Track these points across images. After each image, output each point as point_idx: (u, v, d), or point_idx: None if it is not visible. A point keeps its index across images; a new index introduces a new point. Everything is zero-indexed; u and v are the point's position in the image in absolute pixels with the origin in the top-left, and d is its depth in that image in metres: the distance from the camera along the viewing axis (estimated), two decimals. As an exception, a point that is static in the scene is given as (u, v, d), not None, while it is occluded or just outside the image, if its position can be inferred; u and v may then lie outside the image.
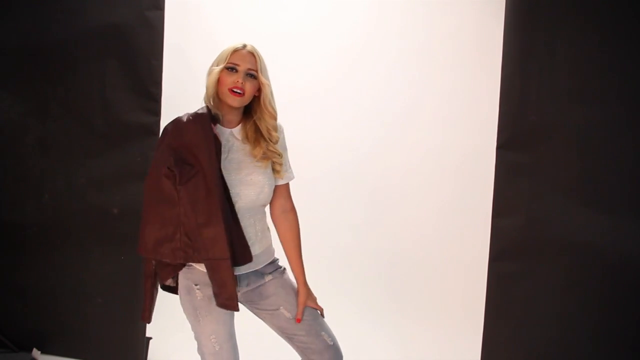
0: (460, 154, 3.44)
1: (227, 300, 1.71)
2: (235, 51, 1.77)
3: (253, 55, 1.78)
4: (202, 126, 1.72)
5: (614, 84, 2.12)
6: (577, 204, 2.17)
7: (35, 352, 2.82)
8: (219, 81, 1.77)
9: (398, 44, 3.48)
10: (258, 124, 1.82)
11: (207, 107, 1.79)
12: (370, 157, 3.55)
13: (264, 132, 1.81)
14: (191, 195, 1.68)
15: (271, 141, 1.82)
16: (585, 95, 2.16)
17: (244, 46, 1.79)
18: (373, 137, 3.53)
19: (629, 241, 2.10)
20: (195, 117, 1.74)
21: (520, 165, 2.28)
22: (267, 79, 1.81)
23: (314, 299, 1.91)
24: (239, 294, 1.84)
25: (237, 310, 1.74)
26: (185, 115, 1.79)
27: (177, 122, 1.77)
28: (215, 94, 1.79)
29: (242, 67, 1.76)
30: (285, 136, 1.92)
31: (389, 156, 3.53)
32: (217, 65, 1.78)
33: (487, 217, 2.37)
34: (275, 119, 1.83)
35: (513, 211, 2.30)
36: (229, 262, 1.68)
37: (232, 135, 1.82)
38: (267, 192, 1.83)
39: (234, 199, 1.77)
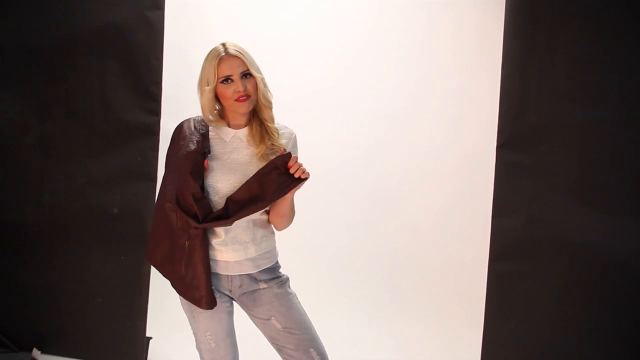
0: (460, 154, 3.44)
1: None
2: (221, 61, 1.73)
3: (238, 57, 1.74)
4: (187, 180, 1.73)
5: (614, 84, 2.12)
6: (577, 204, 2.17)
7: (35, 352, 2.82)
8: (219, 96, 1.77)
9: (398, 43, 3.48)
10: (261, 117, 1.82)
11: (205, 126, 1.82)
12: (371, 156, 3.54)
13: (266, 126, 1.81)
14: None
15: (272, 135, 1.81)
16: (585, 95, 2.15)
17: (226, 51, 1.74)
18: (373, 137, 3.53)
19: (629, 241, 2.09)
20: (182, 168, 1.75)
21: (520, 165, 2.27)
22: (258, 71, 1.78)
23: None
24: (234, 295, 1.86)
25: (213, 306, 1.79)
26: (186, 128, 1.81)
27: (175, 149, 1.80)
28: (217, 106, 1.81)
29: (236, 75, 1.73)
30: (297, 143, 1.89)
31: (389, 156, 3.53)
32: (206, 82, 1.75)
33: (487, 217, 2.36)
34: (270, 109, 1.82)
35: (513, 211, 2.30)
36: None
37: (237, 137, 1.82)
38: None
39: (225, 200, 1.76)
